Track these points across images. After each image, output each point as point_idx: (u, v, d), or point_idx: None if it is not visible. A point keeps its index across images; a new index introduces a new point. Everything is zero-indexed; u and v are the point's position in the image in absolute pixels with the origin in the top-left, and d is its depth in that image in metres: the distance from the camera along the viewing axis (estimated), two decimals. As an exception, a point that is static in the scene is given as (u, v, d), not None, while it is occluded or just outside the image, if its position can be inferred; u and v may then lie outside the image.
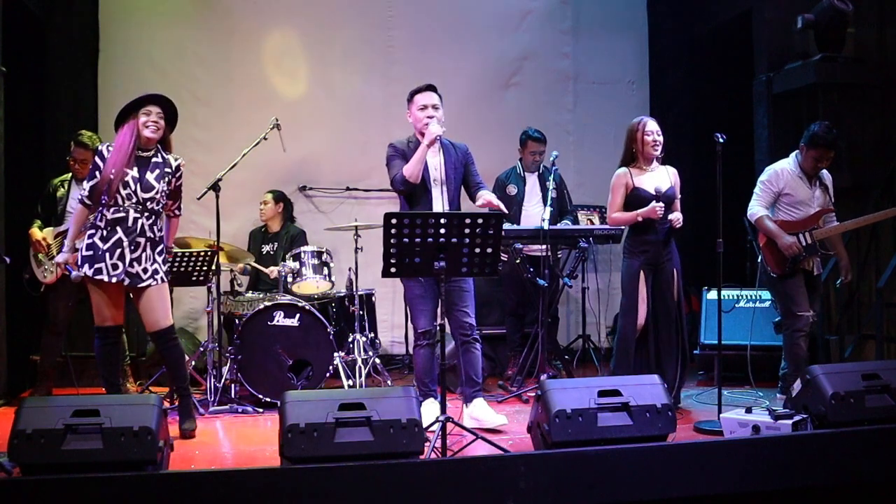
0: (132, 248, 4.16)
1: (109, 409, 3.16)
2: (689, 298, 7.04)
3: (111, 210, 4.15)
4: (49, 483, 2.80)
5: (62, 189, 5.26)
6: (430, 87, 4.59)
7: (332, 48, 6.92)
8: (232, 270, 5.75)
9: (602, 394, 3.47)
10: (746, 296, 5.94)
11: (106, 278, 4.13)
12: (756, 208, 4.89)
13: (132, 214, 4.16)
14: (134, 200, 4.16)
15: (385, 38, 7.02)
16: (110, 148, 4.21)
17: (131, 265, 4.15)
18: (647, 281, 4.81)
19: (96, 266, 4.12)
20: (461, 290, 4.51)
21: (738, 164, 5.77)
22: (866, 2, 6.08)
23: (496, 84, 7.16)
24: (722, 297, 4.64)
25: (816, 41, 5.94)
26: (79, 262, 4.17)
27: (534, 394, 3.66)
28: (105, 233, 4.14)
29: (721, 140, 4.41)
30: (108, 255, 4.13)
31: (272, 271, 5.78)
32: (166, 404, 4.72)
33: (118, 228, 4.15)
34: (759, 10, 6.40)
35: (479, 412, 4.49)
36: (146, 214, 4.19)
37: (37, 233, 5.17)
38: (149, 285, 4.20)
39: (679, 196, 4.94)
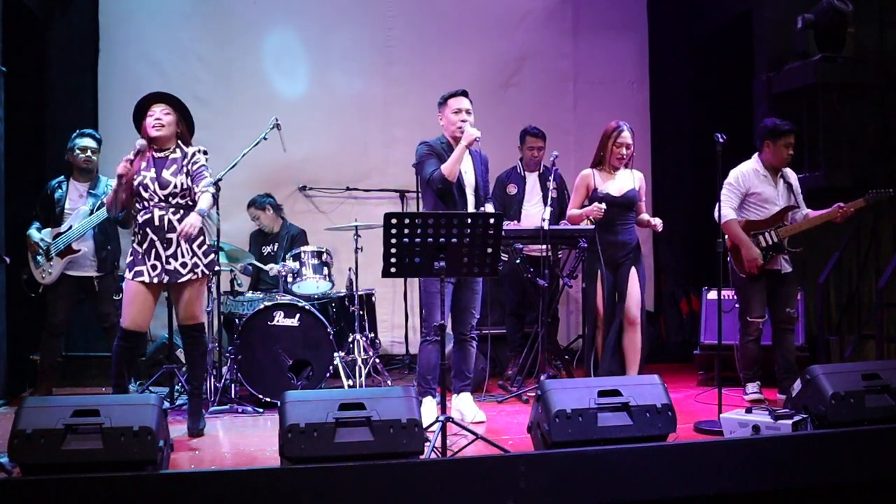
0: (164, 245, 4.21)
1: (109, 409, 3.16)
2: (689, 298, 7.05)
3: (140, 213, 4.24)
4: (49, 483, 2.80)
5: (60, 190, 5.26)
6: (464, 93, 4.70)
7: (331, 48, 6.92)
8: (232, 270, 5.75)
9: (602, 394, 3.47)
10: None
11: (147, 279, 4.20)
12: (725, 210, 4.98)
13: (157, 213, 4.22)
14: (156, 200, 4.22)
15: (385, 38, 7.02)
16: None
17: (168, 262, 4.22)
18: (605, 280, 4.99)
19: (136, 269, 4.20)
20: (474, 292, 4.69)
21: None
22: (866, 2, 6.07)
23: (496, 84, 7.16)
24: (722, 297, 4.65)
25: (816, 41, 5.94)
26: (125, 269, 4.27)
27: (534, 394, 3.66)
28: (140, 237, 4.23)
29: (721, 140, 4.43)
30: (145, 257, 4.20)
31: (271, 268, 5.77)
32: (166, 404, 4.73)
33: (148, 229, 4.22)
34: (759, 10, 6.39)
35: (463, 405, 4.68)
36: (171, 210, 4.24)
37: (34, 234, 5.17)
38: (189, 279, 4.25)
39: (643, 200, 5.14)
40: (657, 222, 5.00)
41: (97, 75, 6.54)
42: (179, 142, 4.34)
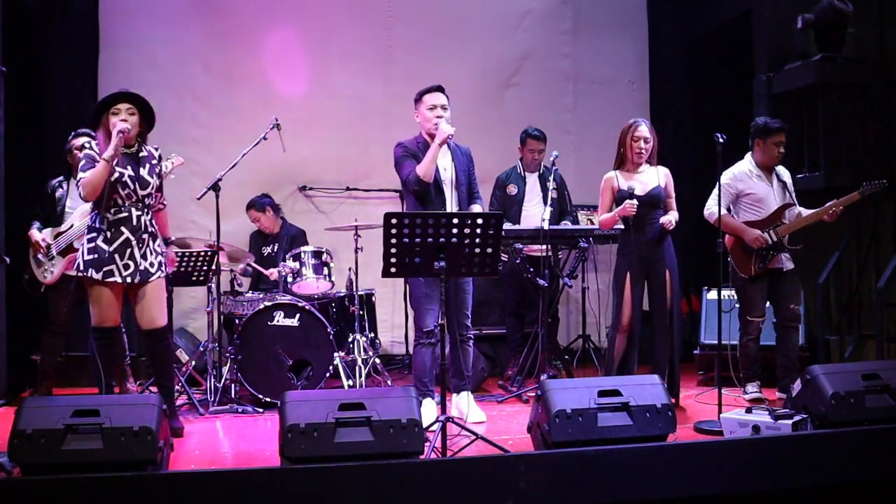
0: (139, 244, 4.20)
1: (109, 409, 3.16)
2: (689, 298, 7.05)
3: (112, 211, 4.15)
4: (49, 483, 2.81)
5: (61, 189, 5.26)
6: (439, 88, 4.65)
7: (332, 48, 6.92)
8: (232, 270, 5.75)
9: (602, 394, 3.48)
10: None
11: (119, 279, 4.15)
12: (714, 208, 4.92)
13: (134, 213, 4.19)
14: (134, 199, 4.19)
15: (385, 38, 7.02)
16: (97, 146, 4.18)
17: (140, 262, 4.20)
18: (635, 281, 4.85)
19: (105, 269, 4.13)
20: (464, 292, 4.65)
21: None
22: (866, 2, 6.07)
23: (496, 84, 7.16)
24: (722, 297, 4.65)
25: (816, 41, 5.94)
26: (81, 267, 4.19)
27: (534, 394, 3.66)
28: (109, 234, 4.15)
29: (721, 140, 4.43)
30: (116, 256, 4.15)
31: (272, 273, 5.78)
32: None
33: (123, 229, 4.16)
34: (759, 10, 6.39)
35: (462, 404, 4.67)
36: (145, 210, 4.25)
37: (36, 234, 5.17)
38: (156, 278, 4.25)
39: (672, 196, 4.99)
40: (665, 220, 4.81)
41: (97, 75, 6.53)
42: (139, 139, 4.30)
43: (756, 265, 5.00)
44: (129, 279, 4.17)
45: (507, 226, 5.43)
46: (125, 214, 4.17)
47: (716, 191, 4.96)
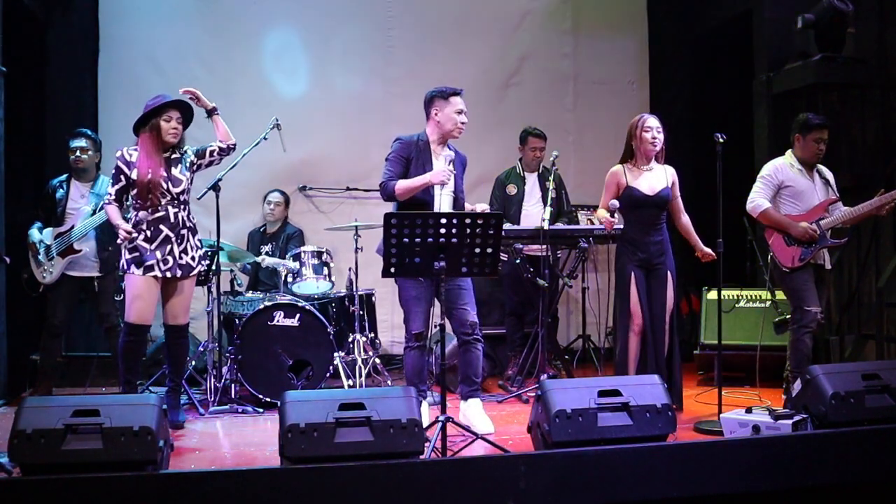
0: (178, 241, 4.45)
1: (109, 409, 3.16)
2: (689, 298, 7.05)
3: (150, 212, 4.39)
4: (49, 483, 2.80)
5: (61, 190, 5.26)
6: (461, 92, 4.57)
7: (332, 48, 6.92)
8: (232, 270, 5.75)
9: (602, 394, 3.47)
10: (746, 296, 5.95)
11: (159, 274, 4.39)
12: (759, 200, 4.83)
13: (171, 210, 4.44)
14: (169, 198, 4.43)
15: (385, 38, 7.02)
16: (131, 152, 4.44)
17: (180, 257, 4.45)
18: (639, 282, 4.78)
19: (147, 264, 4.36)
20: (460, 288, 4.44)
21: (738, 163, 5.77)
22: (866, 2, 6.07)
23: (496, 84, 7.16)
24: (722, 297, 4.64)
25: (816, 41, 5.94)
26: (125, 266, 4.40)
27: (534, 394, 3.66)
28: (149, 233, 4.39)
29: (721, 140, 4.41)
30: (157, 252, 4.37)
31: (263, 259, 5.72)
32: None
33: (162, 227, 4.41)
34: (759, 10, 6.40)
35: (471, 413, 4.43)
36: (181, 206, 4.49)
37: (35, 234, 5.17)
38: (197, 272, 4.55)
39: (678, 196, 4.93)
40: (704, 252, 4.86)
41: (97, 75, 6.54)
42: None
43: (797, 257, 4.79)
44: (168, 273, 4.40)
45: (507, 226, 5.42)
46: (162, 213, 4.42)
47: (755, 186, 4.85)
